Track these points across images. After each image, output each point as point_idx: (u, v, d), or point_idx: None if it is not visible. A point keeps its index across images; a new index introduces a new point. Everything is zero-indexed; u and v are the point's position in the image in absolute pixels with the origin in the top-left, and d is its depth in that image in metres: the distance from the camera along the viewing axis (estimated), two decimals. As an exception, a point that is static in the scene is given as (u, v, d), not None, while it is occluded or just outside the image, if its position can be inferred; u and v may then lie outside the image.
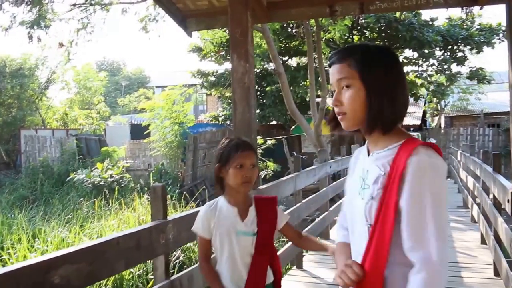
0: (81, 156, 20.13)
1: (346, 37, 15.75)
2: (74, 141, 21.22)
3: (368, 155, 1.52)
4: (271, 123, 20.34)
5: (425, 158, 1.34)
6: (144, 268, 6.08)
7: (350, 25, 13.10)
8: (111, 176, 15.12)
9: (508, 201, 3.35)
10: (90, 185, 14.56)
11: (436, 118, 23.46)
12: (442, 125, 22.70)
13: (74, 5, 12.83)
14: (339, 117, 1.48)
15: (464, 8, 7.34)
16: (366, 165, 1.50)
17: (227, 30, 14.52)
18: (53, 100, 28.01)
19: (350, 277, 1.38)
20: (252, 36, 3.99)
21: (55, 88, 27.75)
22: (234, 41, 3.90)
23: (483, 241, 5.89)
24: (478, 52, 18.03)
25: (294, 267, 5.52)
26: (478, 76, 18.93)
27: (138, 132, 22.01)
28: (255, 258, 2.10)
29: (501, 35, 17.66)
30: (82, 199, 12.58)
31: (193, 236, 2.91)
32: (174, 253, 6.52)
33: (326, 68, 15.15)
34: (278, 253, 4.63)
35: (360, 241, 1.47)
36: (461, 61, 18.45)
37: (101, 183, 14.53)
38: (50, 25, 13.95)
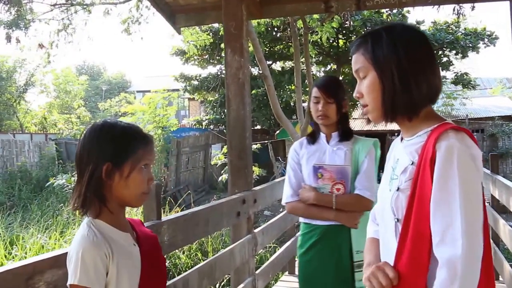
0: (61, 160, 19.60)
1: (331, 41, 15.68)
2: (53, 145, 20.64)
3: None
4: (255, 128, 20.18)
5: (454, 142, 1.19)
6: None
7: (336, 28, 12.97)
8: (92, 181, 14.72)
9: (515, 201, 3.21)
10: (70, 190, 14.14)
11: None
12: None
13: (54, 5, 12.47)
14: (363, 110, 1.37)
15: (456, 9, 7.33)
16: (397, 154, 1.39)
17: (212, 33, 14.34)
18: (31, 104, 27.52)
19: (380, 281, 1.25)
20: (247, 30, 3.81)
21: (33, 92, 27.31)
22: (228, 35, 3.72)
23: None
24: (463, 57, 18.00)
25: (287, 273, 5.35)
26: (463, 81, 18.91)
27: (120, 136, 21.62)
28: None
29: (486, 39, 17.74)
30: (62, 204, 12.20)
31: (189, 239, 2.70)
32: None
33: (312, 72, 15.12)
34: (270, 259, 4.48)
35: (389, 237, 1.35)
36: (446, 66, 18.46)
37: (82, 188, 14.14)
38: (30, 26, 13.58)
